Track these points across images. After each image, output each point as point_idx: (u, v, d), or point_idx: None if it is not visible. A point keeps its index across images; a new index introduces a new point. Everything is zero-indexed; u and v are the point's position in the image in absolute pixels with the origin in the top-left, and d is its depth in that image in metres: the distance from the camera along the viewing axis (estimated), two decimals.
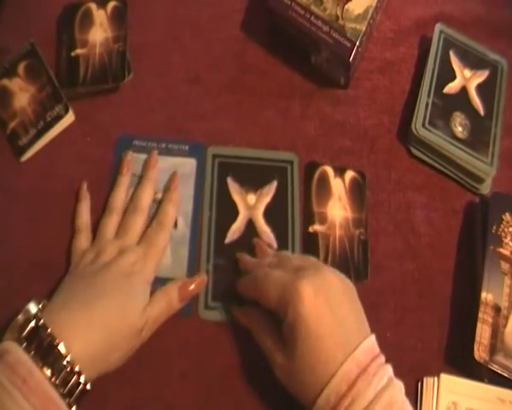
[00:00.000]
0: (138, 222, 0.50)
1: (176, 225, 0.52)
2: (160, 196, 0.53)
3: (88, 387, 0.41)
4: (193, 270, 0.51)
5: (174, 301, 0.47)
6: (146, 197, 0.52)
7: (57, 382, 0.39)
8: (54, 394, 0.39)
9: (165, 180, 0.53)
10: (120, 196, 0.52)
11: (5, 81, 0.57)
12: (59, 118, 0.55)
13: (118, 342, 0.43)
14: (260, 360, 0.44)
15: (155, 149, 0.54)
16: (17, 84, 0.56)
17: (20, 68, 0.57)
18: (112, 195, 0.52)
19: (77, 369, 0.40)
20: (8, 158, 0.55)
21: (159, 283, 0.50)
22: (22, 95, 0.56)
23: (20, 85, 0.56)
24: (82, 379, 0.40)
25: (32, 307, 0.44)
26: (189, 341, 0.48)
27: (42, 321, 0.41)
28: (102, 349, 0.42)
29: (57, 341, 0.40)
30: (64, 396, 0.39)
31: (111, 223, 0.51)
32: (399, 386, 0.39)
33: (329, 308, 0.40)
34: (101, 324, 0.42)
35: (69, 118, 0.55)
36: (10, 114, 0.56)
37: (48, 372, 0.39)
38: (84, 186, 0.53)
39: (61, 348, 0.39)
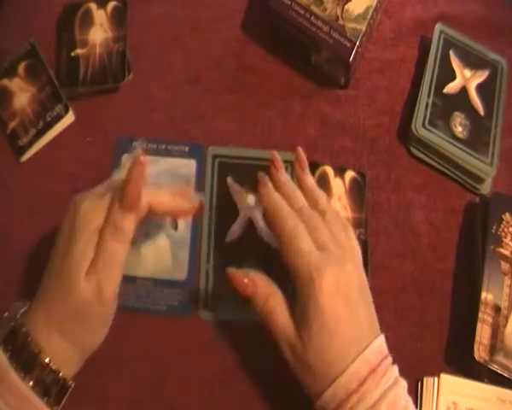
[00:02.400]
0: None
1: (176, 227, 0.52)
2: None
3: (70, 383, 0.41)
4: (193, 272, 0.51)
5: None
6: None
7: (32, 381, 0.39)
8: (29, 392, 0.38)
9: (165, 181, 0.53)
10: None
11: (5, 81, 0.57)
12: (59, 118, 0.55)
13: (84, 324, 0.41)
14: (260, 360, 0.44)
15: (155, 151, 0.54)
16: (17, 84, 0.56)
17: (20, 68, 0.57)
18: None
19: (53, 367, 0.40)
20: (8, 158, 0.55)
21: (159, 285, 0.50)
22: (22, 95, 0.56)
23: (20, 85, 0.56)
24: (60, 375, 0.40)
25: (15, 309, 0.44)
26: (188, 341, 0.48)
27: (19, 322, 0.40)
28: (75, 338, 0.41)
29: (30, 338, 0.39)
30: (42, 395, 0.39)
31: None
32: (403, 385, 0.40)
33: (347, 305, 0.39)
34: (59, 314, 0.40)
35: (69, 118, 0.55)
36: (10, 114, 0.56)
37: (22, 372, 0.39)
38: None
39: (35, 346, 0.39)
